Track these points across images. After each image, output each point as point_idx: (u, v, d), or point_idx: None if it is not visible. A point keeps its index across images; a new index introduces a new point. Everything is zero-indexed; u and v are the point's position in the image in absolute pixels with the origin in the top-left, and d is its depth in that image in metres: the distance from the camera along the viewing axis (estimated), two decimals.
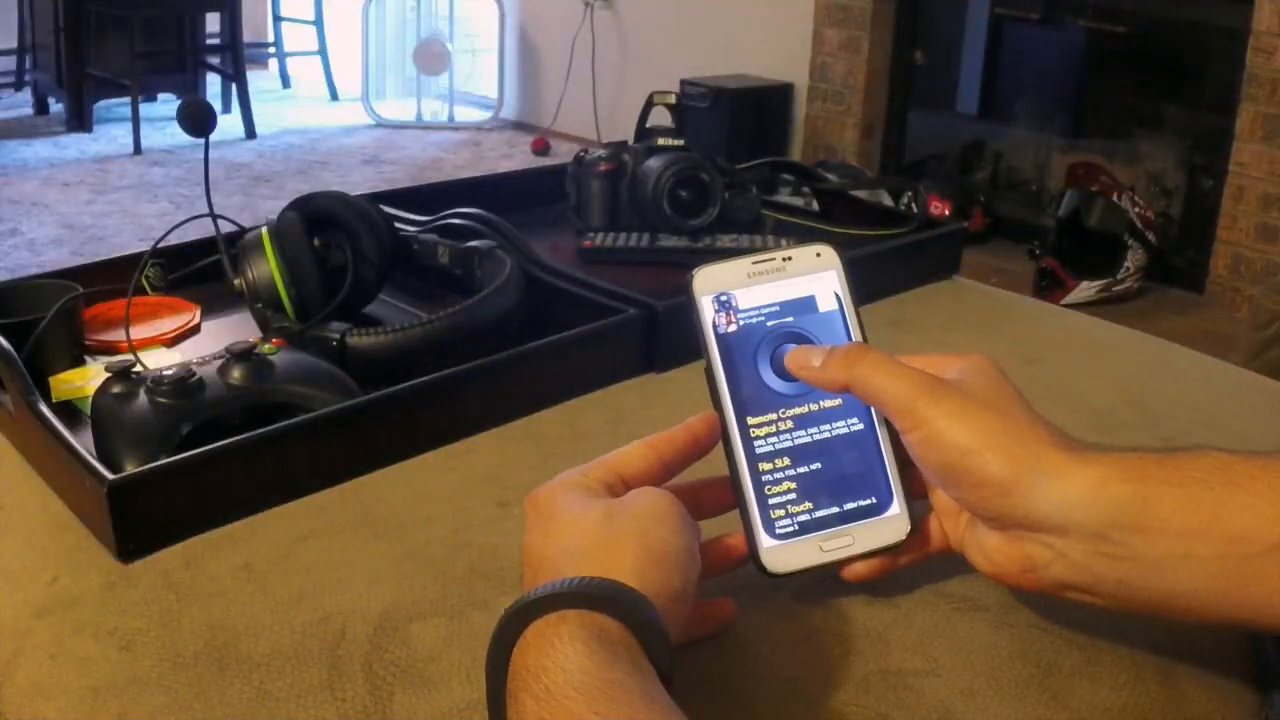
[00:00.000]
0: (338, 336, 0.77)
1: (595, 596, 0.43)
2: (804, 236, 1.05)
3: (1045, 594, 0.50)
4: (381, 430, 0.69)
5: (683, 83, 4.20)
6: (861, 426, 0.53)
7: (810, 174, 1.23)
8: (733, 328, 0.52)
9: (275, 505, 0.64)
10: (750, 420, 0.52)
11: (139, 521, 0.59)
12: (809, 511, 0.52)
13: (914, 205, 1.29)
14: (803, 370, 0.52)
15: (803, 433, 0.52)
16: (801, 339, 0.53)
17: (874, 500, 0.52)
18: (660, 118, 1.33)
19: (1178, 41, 3.57)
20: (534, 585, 0.45)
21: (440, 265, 0.92)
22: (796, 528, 0.51)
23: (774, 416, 0.52)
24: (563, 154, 4.77)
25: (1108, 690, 0.51)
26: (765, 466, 0.51)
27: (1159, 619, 0.50)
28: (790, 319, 0.53)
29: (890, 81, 4.15)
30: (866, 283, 0.99)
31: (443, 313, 0.78)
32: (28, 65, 5.46)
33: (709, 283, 0.52)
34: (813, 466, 0.52)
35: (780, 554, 0.51)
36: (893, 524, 0.52)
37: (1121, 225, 3.28)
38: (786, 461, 0.52)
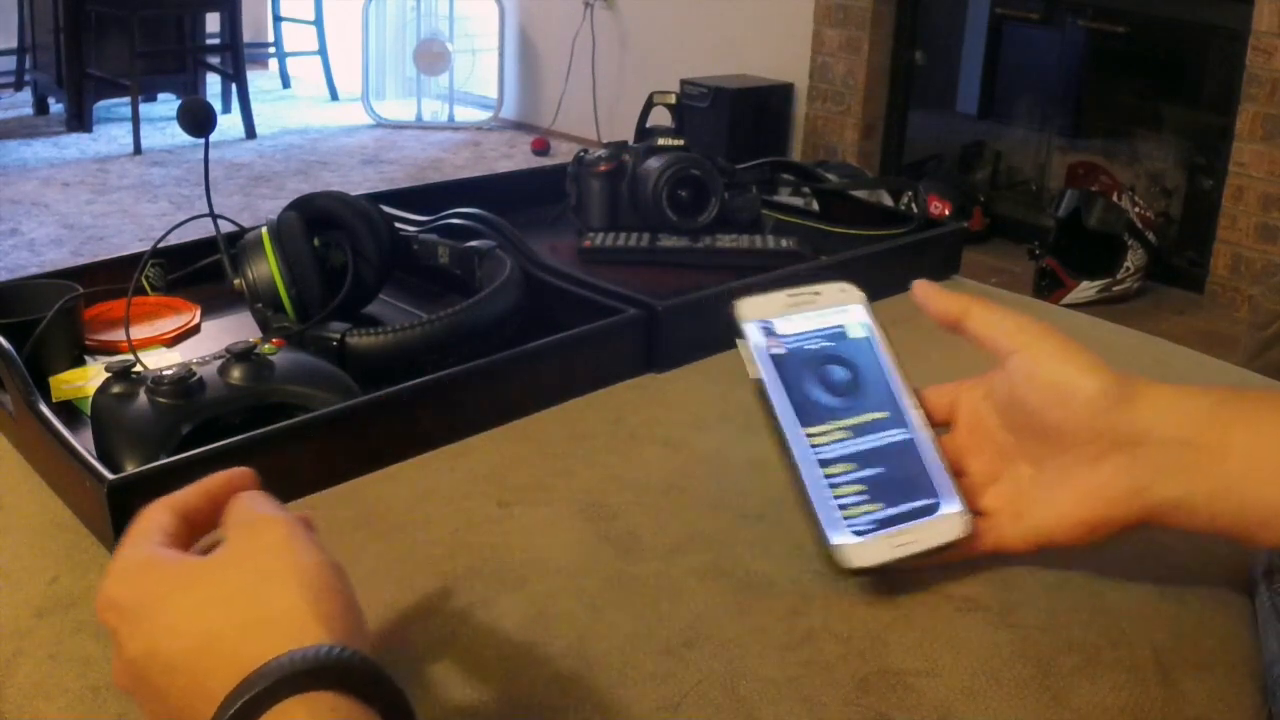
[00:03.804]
0: (338, 336, 0.77)
1: (310, 674, 0.36)
2: (804, 236, 1.05)
3: (1131, 531, 0.52)
4: (381, 430, 0.69)
5: (683, 83, 4.20)
6: (909, 436, 0.57)
7: (810, 174, 1.23)
8: (780, 350, 0.57)
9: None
10: (808, 430, 0.55)
11: None
12: (880, 510, 0.54)
13: (914, 205, 1.29)
14: (928, 298, 0.58)
15: (860, 440, 0.56)
16: (843, 361, 0.58)
17: (933, 500, 0.55)
18: (660, 118, 1.33)
19: (1178, 41, 3.57)
20: (199, 686, 0.37)
21: (440, 265, 0.92)
22: (872, 525, 0.54)
23: (829, 427, 0.56)
24: (563, 154, 4.77)
25: (1108, 690, 0.51)
26: (830, 470, 0.55)
27: (1251, 545, 0.53)
28: (830, 344, 0.58)
29: (890, 81, 4.15)
30: (867, 283, 1.00)
31: (443, 313, 0.78)
32: (28, 65, 5.46)
33: (752, 311, 0.57)
34: (875, 470, 0.55)
35: (859, 550, 0.53)
36: (952, 521, 0.55)
37: (1121, 225, 3.28)
38: (850, 466, 0.55)
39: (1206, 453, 0.50)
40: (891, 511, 0.55)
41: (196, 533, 0.45)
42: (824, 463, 0.54)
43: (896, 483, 0.55)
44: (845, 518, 0.54)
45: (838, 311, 0.60)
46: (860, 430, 0.56)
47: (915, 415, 0.58)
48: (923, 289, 0.59)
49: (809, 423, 0.55)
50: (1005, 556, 0.56)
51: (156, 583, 0.41)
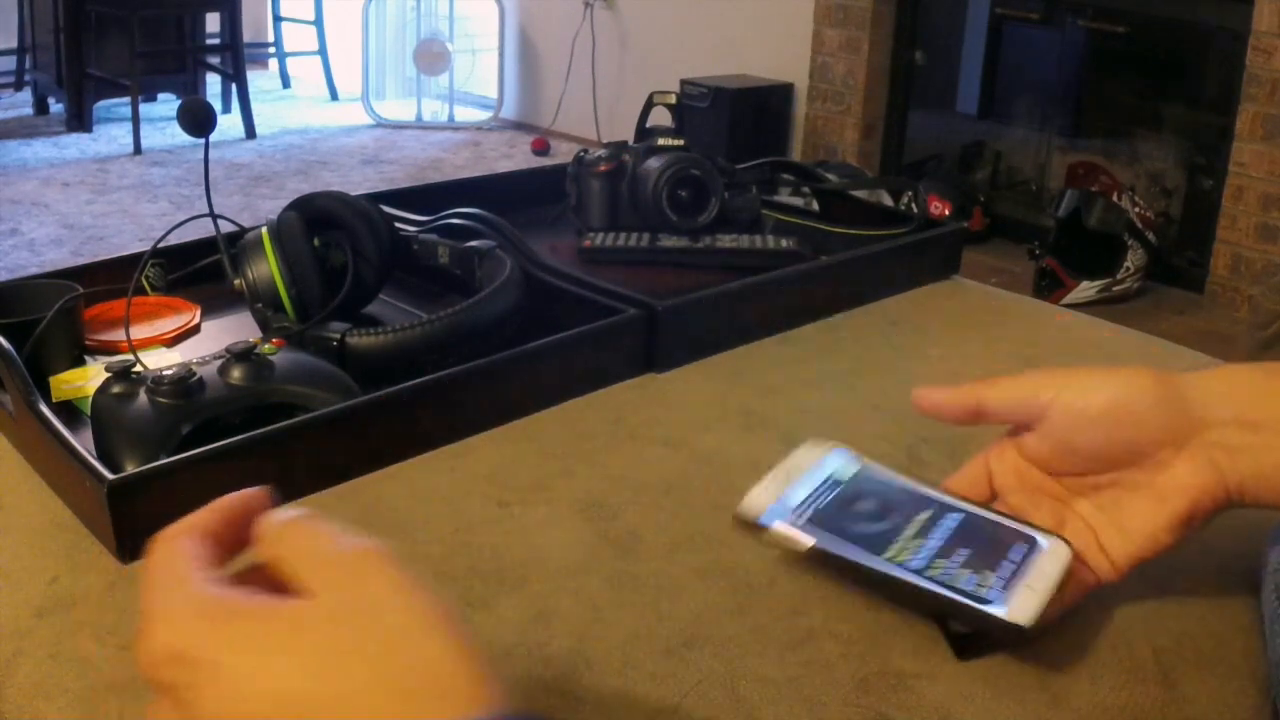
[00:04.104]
0: (338, 336, 0.77)
1: None
2: (804, 236, 1.05)
3: (1218, 515, 0.52)
4: (381, 430, 0.69)
5: (683, 83, 4.20)
6: (965, 513, 0.56)
7: (810, 174, 1.23)
8: (806, 516, 0.56)
9: (275, 505, 0.64)
10: (885, 556, 0.54)
11: (139, 521, 0.59)
12: (996, 574, 0.52)
13: (914, 205, 1.29)
14: (937, 406, 0.57)
15: (930, 538, 0.55)
16: (862, 495, 0.58)
17: (1028, 543, 0.54)
18: (660, 118, 1.34)
19: (1178, 41, 3.57)
20: None
21: (440, 265, 0.92)
22: (1001, 585, 0.52)
23: (898, 545, 0.54)
24: (563, 154, 4.77)
25: (1108, 690, 0.51)
26: (932, 570, 0.53)
27: None
28: (840, 488, 0.58)
29: (890, 81, 4.15)
30: (867, 283, 1.00)
31: (443, 313, 0.78)
32: (28, 65, 5.47)
33: (757, 506, 0.57)
34: (964, 551, 0.54)
35: (1017, 610, 0.51)
36: (1057, 546, 0.53)
37: (1121, 225, 3.28)
38: (942, 561, 0.53)
39: (1267, 428, 0.51)
40: (1007, 570, 0.53)
41: (222, 563, 0.39)
42: (918, 571, 0.53)
43: (989, 549, 0.54)
44: (980, 593, 0.52)
45: (821, 465, 0.60)
46: (924, 531, 0.55)
47: (955, 499, 0.57)
48: (925, 398, 0.58)
49: (880, 550, 0.54)
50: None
51: (239, 630, 0.33)
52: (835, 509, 0.57)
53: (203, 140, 0.83)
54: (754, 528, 0.56)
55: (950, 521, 0.56)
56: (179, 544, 0.37)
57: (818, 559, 0.55)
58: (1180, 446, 0.52)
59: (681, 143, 1.10)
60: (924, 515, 0.56)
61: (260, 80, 5.94)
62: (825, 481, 0.59)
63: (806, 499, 0.57)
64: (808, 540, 0.54)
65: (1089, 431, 0.53)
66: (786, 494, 0.57)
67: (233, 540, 0.39)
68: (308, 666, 0.32)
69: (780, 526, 0.55)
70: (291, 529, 0.38)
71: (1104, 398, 0.53)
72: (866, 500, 0.57)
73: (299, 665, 0.32)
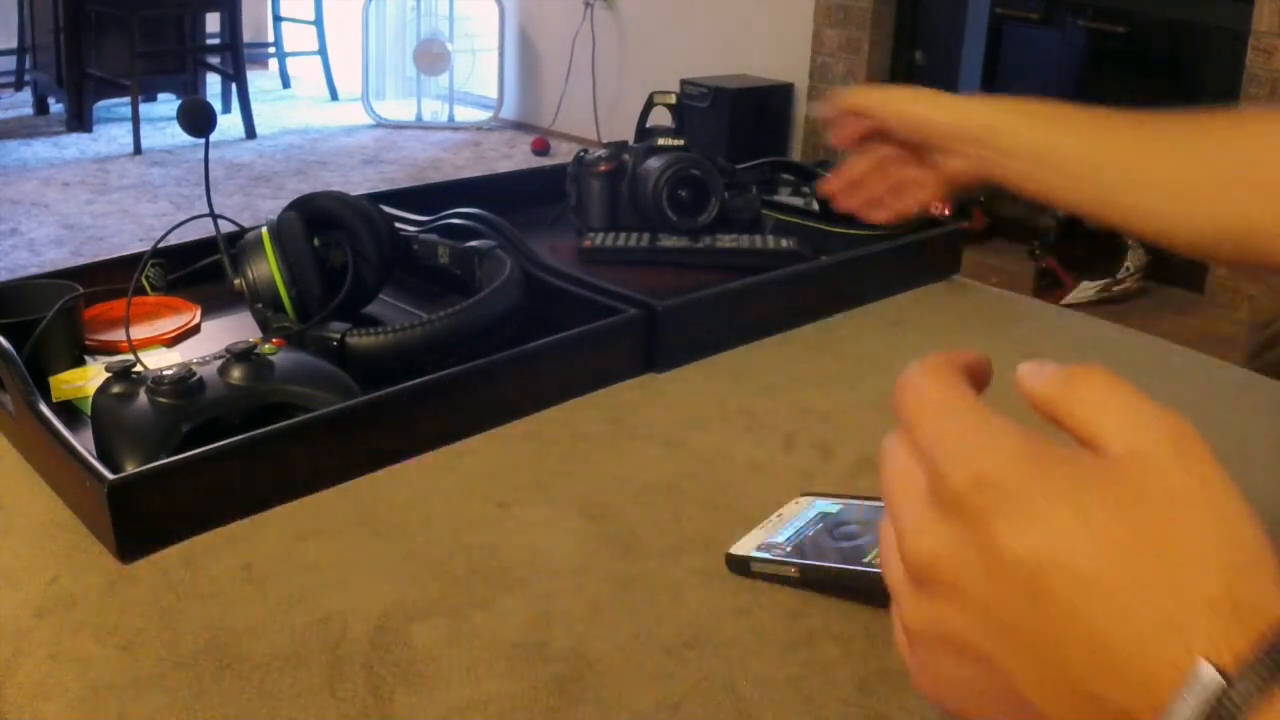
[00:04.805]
0: (338, 336, 0.77)
1: None
2: (804, 236, 1.05)
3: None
4: (381, 430, 0.69)
5: (683, 83, 4.20)
6: None
7: (810, 174, 1.23)
8: (790, 546, 0.59)
9: (275, 505, 0.64)
10: (865, 559, 0.56)
11: (139, 521, 0.59)
12: None
13: None
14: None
15: None
16: (842, 522, 0.60)
17: None
18: (660, 118, 1.33)
19: (1178, 41, 3.57)
20: (1124, 619, 0.28)
21: (440, 265, 0.92)
22: None
23: (877, 550, 0.56)
24: (563, 154, 4.77)
25: None
26: None
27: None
28: (821, 523, 0.61)
29: (890, 81, 4.14)
30: (867, 283, 1.00)
31: (443, 313, 0.78)
32: (28, 65, 5.47)
33: (747, 546, 0.59)
34: None
35: None
36: None
37: None
38: None
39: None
40: None
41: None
42: None
43: None
44: None
45: (807, 511, 0.62)
46: None
47: None
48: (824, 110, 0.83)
49: (860, 559, 0.56)
50: None
51: (1070, 473, 0.31)
52: (817, 538, 0.59)
53: (203, 140, 0.83)
54: (744, 562, 0.58)
55: None
56: (955, 376, 0.35)
57: (808, 581, 0.57)
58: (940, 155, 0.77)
59: (681, 143, 1.10)
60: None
61: (260, 80, 5.94)
62: (809, 520, 0.61)
63: (791, 536, 0.60)
64: (793, 568, 0.57)
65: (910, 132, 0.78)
66: (773, 536, 0.60)
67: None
68: (1137, 532, 0.29)
69: (767, 556, 0.58)
70: (1088, 380, 0.34)
71: (911, 112, 0.77)
72: (846, 526, 0.60)
73: (1127, 529, 0.29)
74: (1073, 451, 0.31)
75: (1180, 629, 0.28)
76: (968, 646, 0.32)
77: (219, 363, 0.69)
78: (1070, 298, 3.22)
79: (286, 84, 6.24)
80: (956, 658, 0.32)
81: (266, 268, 0.81)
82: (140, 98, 4.77)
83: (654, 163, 1.06)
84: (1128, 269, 3.30)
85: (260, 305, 0.82)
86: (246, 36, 5.25)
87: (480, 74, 5.64)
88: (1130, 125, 0.72)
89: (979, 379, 0.36)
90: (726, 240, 1.04)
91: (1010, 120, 0.75)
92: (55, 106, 5.31)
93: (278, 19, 6.17)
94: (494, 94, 5.52)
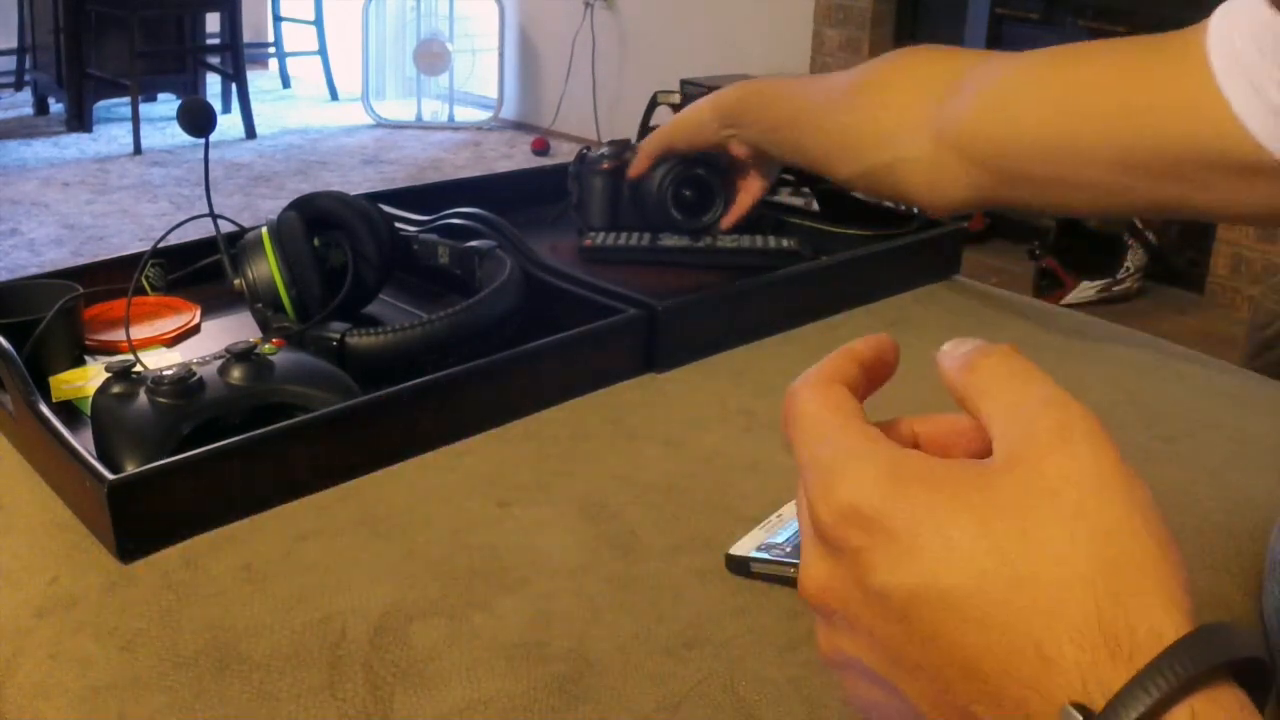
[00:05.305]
0: (338, 336, 0.77)
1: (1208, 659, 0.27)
2: (804, 236, 1.05)
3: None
4: (381, 430, 0.69)
5: (684, 82, 4.19)
6: None
7: (810, 174, 1.23)
8: (789, 548, 0.59)
9: (275, 505, 0.64)
10: None
11: (139, 521, 0.59)
12: None
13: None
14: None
15: None
16: None
17: None
18: (664, 117, 1.34)
19: None
20: (1012, 638, 0.28)
21: (440, 265, 0.92)
22: None
23: None
24: (563, 154, 4.77)
25: None
26: None
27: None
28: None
29: None
30: (867, 282, 1.00)
31: (443, 313, 0.78)
32: (28, 65, 5.47)
33: (747, 546, 0.60)
34: None
35: None
36: None
37: (1121, 225, 3.28)
38: None
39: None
40: None
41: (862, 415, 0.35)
42: None
43: None
44: None
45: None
46: None
47: None
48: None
49: None
50: None
51: (930, 502, 0.30)
52: None
53: (203, 140, 0.83)
54: (744, 562, 0.59)
55: None
56: (833, 392, 0.34)
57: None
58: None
59: None
60: None
61: (260, 80, 5.94)
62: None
63: (791, 536, 0.60)
64: (793, 563, 0.57)
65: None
66: (773, 537, 0.61)
67: (865, 390, 0.36)
68: (1001, 554, 0.28)
69: (767, 557, 0.59)
70: (988, 370, 0.33)
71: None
72: None
73: (991, 551, 0.28)
74: (942, 467, 0.31)
75: (1048, 661, 0.27)
76: (868, 671, 0.32)
77: (219, 363, 0.69)
78: (1070, 298, 3.22)
79: (286, 84, 6.24)
80: (866, 681, 0.33)
81: (266, 268, 0.81)
82: (140, 98, 4.77)
83: (658, 162, 1.06)
84: (1128, 269, 3.30)
85: (260, 305, 0.82)
86: (246, 36, 5.25)
87: (480, 74, 5.64)
88: (822, 89, 0.90)
89: (880, 371, 0.36)
90: (727, 240, 1.04)
91: (746, 99, 0.96)
92: (55, 106, 5.31)
93: (278, 19, 6.17)
94: (494, 94, 5.52)
